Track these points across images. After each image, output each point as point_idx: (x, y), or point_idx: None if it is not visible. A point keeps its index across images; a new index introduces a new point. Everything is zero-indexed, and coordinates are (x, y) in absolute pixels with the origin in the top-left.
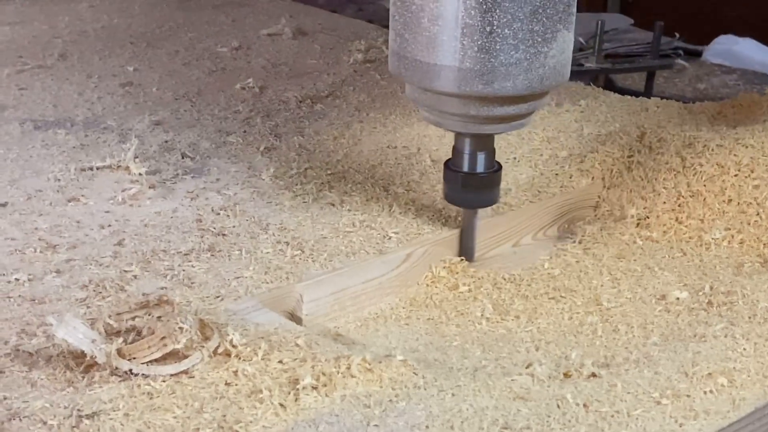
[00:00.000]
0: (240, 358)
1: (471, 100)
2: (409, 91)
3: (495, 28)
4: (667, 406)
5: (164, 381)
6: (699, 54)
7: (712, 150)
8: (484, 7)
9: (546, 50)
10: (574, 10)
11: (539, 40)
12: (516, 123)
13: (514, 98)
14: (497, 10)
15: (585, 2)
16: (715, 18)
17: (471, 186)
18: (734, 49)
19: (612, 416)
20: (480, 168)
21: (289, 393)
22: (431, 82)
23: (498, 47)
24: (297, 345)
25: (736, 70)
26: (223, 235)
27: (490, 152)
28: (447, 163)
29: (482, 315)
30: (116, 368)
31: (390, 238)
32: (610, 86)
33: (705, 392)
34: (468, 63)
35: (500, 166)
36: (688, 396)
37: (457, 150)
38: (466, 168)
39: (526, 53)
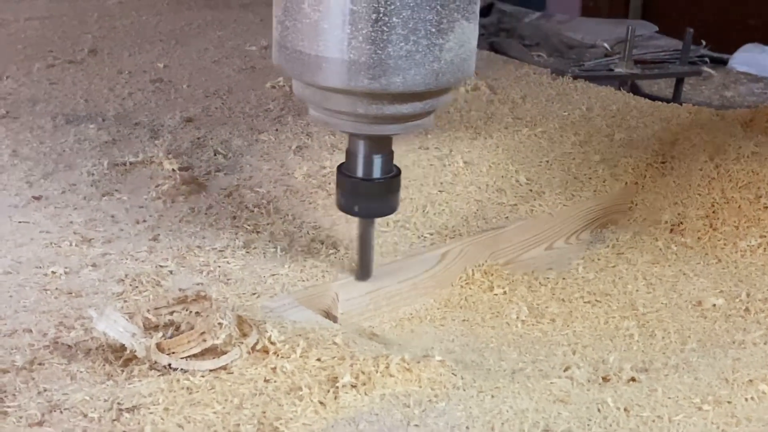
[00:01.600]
0: (278, 355)
1: (358, 97)
2: (295, 86)
3: (381, 15)
4: (708, 412)
5: (203, 376)
6: (725, 62)
7: (747, 156)
8: None
9: (441, 42)
10: None
11: (433, 30)
12: (413, 124)
13: (406, 95)
14: None
15: (607, 9)
16: (739, 26)
17: (366, 193)
18: (760, 57)
19: (653, 421)
20: (376, 173)
21: (329, 391)
22: (314, 76)
23: (385, 37)
24: (335, 343)
25: (762, 78)
26: (258, 232)
27: (388, 155)
28: (340, 168)
29: (518, 317)
30: (155, 362)
31: (425, 238)
32: (636, 92)
33: (746, 399)
34: (353, 54)
35: (399, 171)
36: (729, 402)
37: (350, 153)
38: (360, 173)
39: (417, 45)
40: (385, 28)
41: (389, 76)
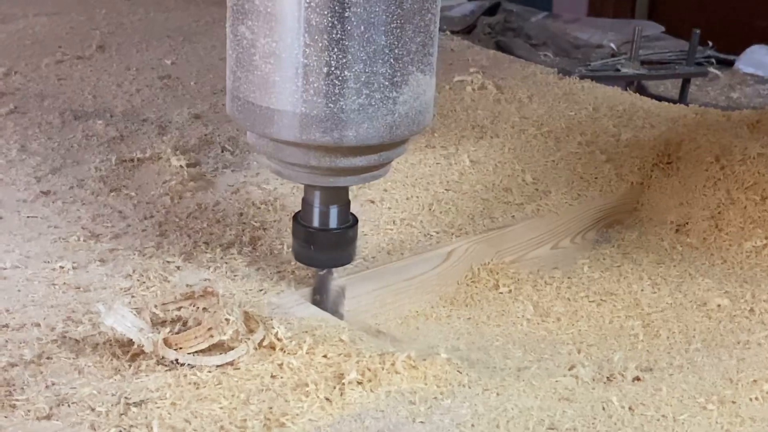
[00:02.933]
0: (285, 352)
1: (311, 150)
2: (249, 137)
3: (333, 69)
4: (713, 411)
5: (210, 372)
6: (731, 63)
7: (753, 158)
8: (320, 45)
9: (395, 95)
10: (433, 50)
11: (386, 84)
12: (368, 175)
13: (360, 148)
14: (335, 49)
15: (613, 9)
16: (746, 27)
17: (322, 244)
18: (767, 59)
19: (658, 420)
20: (333, 224)
21: (335, 387)
22: (266, 128)
23: (337, 91)
24: (341, 340)
25: None
26: (265, 229)
27: (344, 205)
28: (296, 217)
29: (523, 316)
30: (162, 357)
31: (431, 236)
32: (642, 93)
33: (751, 399)
34: (304, 108)
35: (356, 220)
36: (733, 402)
37: (306, 203)
38: (316, 224)
39: (370, 98)
40: (336, 82)
41: (342, 130)
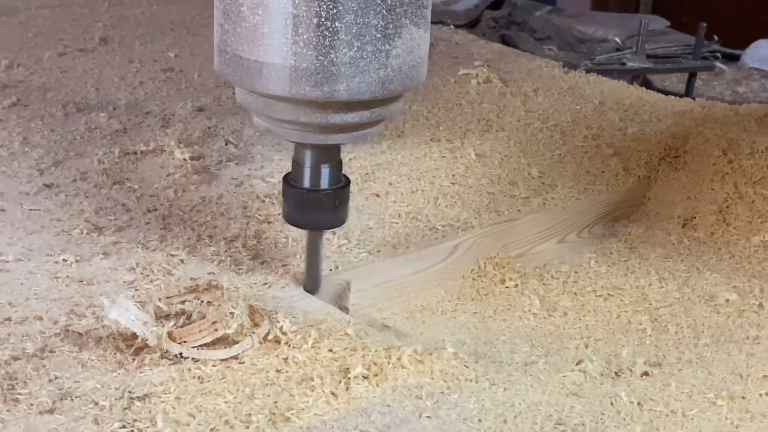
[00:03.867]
0: (290, 346)
1: (301, 105)
2: (237, 93)
3: (323, 20)
4: (722, 407)
5: (214, 366)
6: (737, 58)
7: (761, 152)
8: None
9: (388, 48)
10: (427, 3)
11: (379, 36)
12: (361, 133)
13: (351, 104)
14: None
15: (618, 3)
16: (752, 22)
17: (314, 204)
18: None
19: (667, 416)
20: (324, 184)
21: (340, 382)
22: (254, 83)
23: (327, 43)
24: (347, 334)
25: None
26: (269, 222)
27: (336, 165)
28: (286, 178)
29: (529, 310)
30: (167, 351)
31: (437, 230)
32: (647, 87)
33: (760, 394)
34: (293, 60)
35: (348, 181)
36: (743, 398)
37: (296, 163)
38: (307, 184)
39: (362, 51)
40: (327, 33)
41: (332, 84)
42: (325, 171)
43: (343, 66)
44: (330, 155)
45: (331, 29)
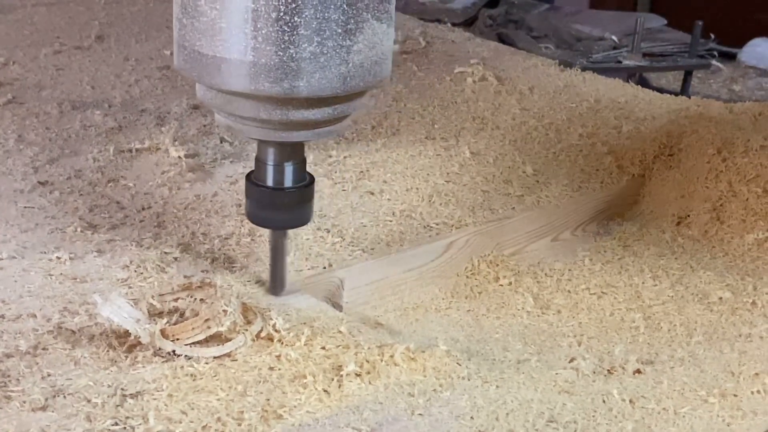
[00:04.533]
0: (283, 343)
1: (262, 101)
2: (198, 90)
3: (282, 14)
4: (714, 404)
5: (207, 363)
6: (733, 56)
7: (755, 150)
8: None
9: (349, 44)
10: None
11: (339, 31)
12: (324, 130)
13: (312, 100)
14: None
15: (615, 1)
16: (748, 20)
17: (277, 204)
18: None
19: (659, 413)
20: (287, 182)
21: (333, 379)
22: (213, 79)
23: (287, 38)
24: (340, 332)
25: None
26: None
27: (300, 162)
28: (249, 177)
29: (523, 308)
30: (159, 349)
31: (430, 228)
32: (644, 85)
33: (752, 392)
34: (252, 56)
35: (312, 179)
36: (735, 395)
37: (259, 161)
38: (270, 182)
39: (322, 46)
40: (286, 28)
41: (292, 80)
42: (288, 169)
43: (303, 62)
44: (293, 153)
45: (290, 24)
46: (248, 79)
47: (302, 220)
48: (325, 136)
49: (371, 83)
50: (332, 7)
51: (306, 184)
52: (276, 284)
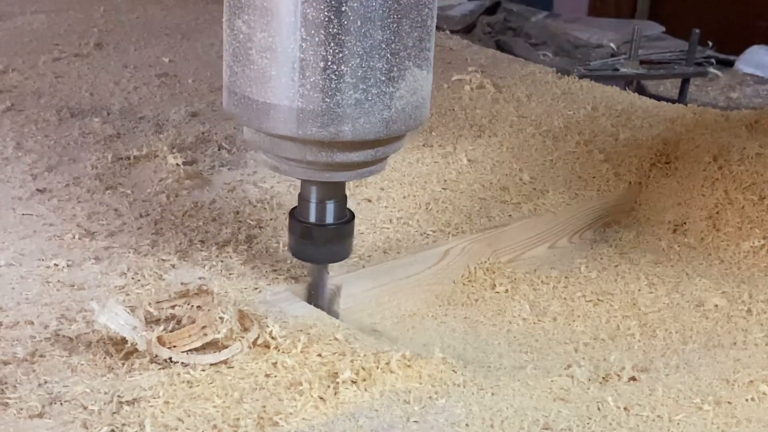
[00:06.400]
0: (279, 350)
1: (308, 145)
2: (245, 132)
3: (330, 63)
4: (708, 412)
5: (204, 370)
6: (731, 63)
7: (751, 158)
8: (317, 39)
9: (392, 90)
10: (430, 45)
11: (383, 79)
12: (365, 170)
13: (356, 144)
14: (332, 44)
15: (614, 9)
16: (746, 28)
17: (319, 239)
18: (767, 59)
19: (653, 420)
20: (329, 219)
21: (329, 386)
22: (262, 123)
23: (333, 86)
24: (336, 339)
25: None
26: (261, 227)
27: (341, 200)
28: (292, 212)
29: (519, 315)
30: (156, 356)
31: (427, 235)
32: (641, 93)
33: (747, 399)
34: (300, 102)
35: (353, 216)
36: (729, 403)
37: (302, 198)
38: (313, 219)
39: (367, 93)
40: (333, 77)
41: (338, 125)
42: (330, 206)
43: (348, 108)
44: (335, 191)
45: (337, 72)
46: (296, 124)
47: (342, 254)
48: (366, 176)
49: (412, 126)
50: (377, 56)
51: (346, 220)
52: None
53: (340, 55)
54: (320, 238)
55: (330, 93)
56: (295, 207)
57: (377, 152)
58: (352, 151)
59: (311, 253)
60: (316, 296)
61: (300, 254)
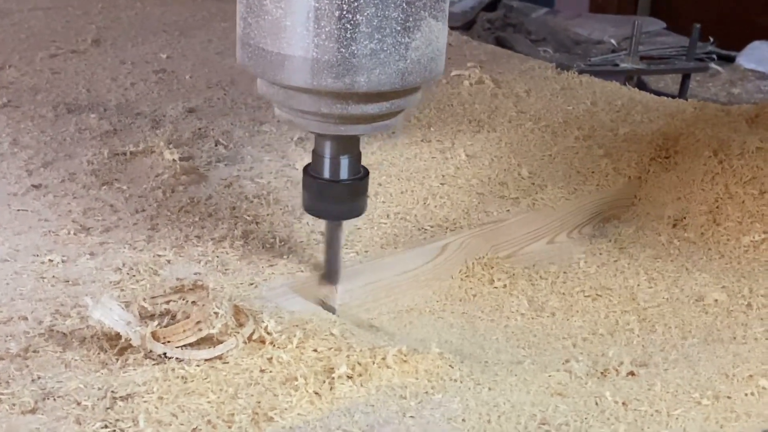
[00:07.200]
0: (275, 346)
1: (322, 96)
2: (259, 85)
3: (345, 13)
4: (707, 406)
5: (198, 365)
6: (732, 59)
7: (751, 152)
8: None
9: (407, 41)
10: None
11: (398, 29)
12: (380, 124)
13: (371, 95)
14: None
15: (615, 5)
16: (748, 24)
17: (333, 195)
18: None
19: (651, 415)
20: (343, 175)
21: (324, 381)
22: (276, 75)
23: (348, 35)
24: (332, 334)
25: None
26: (257, 223)
27: (355, 156)
28: (306, 169)
29: (518, 311)
30: (150, 351)
31: (425, 230)
32: (642, 88)
33: (746, 394)
34: (315, 53)
35: (367, 172)
36: (728, 397)
37: (316, 154)
38: (327, 175)
39: (382, 43)
40: (348, 26)
41: (353, 76)
42: (344, 162)
43: (363, 58)
44: (349, 146)
45: (352, 22)
46: (311, 75)
47: (357, 211)
48: (381, 130)
49: (427, 78)
50: (392, 5)
51: (361, 176)
52: (331, 274)
53: (356, 4)
54: (335, 195)
55: (345, 43)
56: (309, 164)
57: (392, 104)
58: (366, 102)
59: (325, 209)
60: (330, 255)
61: (313, 211)
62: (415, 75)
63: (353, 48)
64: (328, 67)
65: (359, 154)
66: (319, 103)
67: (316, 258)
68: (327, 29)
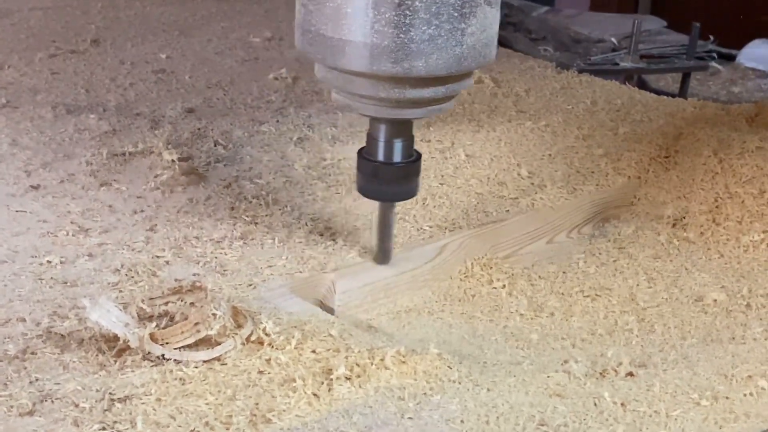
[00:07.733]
0: (273, 347)
1: (380, 81)
2: (317, 69)
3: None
4: (706, 407)
5: (196, 367)
6: (732, 57)
7: (751, 151)
8: None
9: (464, 27)
10: None
11: (455, 15)
12: (434, 108)
13: (428, 79)
14: None
15: (616, 4)
16: (748, 22)
17: (387, 177)
18: None
19: (650, 416)
20: (397, 157)
21: (323, 383)
22: (336, 60)
23: (408, 21)
24: (330, 335)
25: None
26: (256, 223)
27: (408, 139)
28: (360, 152)
29: (517, 311)
30: (148, 353)
31: (424, 230)
32: (643, 87)
33: (745, 395)
34: (375, 38)
35: (419, 155)
36: (727, 398)
37: (371, 137)
38: (381, 157)
39: (440, 29)
40: (408, 12)
41: (412, 60)
42: (398, 145)
43: (422, 43)
44: (403, 130)
45: (411, 8)
46: (369, 60)
47: (409, 193)
48: (434, 113)
49: (481, 63)
50: None
51: (413, 159)
52: (382, 255)
53: None
54: (388, 177)
55: (404, 29)
56: (364, 146)
57: (447, 89)
58: (423, 87)
59: (379, 191)
60: (382, 236)
61: (367, 192)
62: (471, 60)
63: (411, 33)
64: (387, 53)
65: (412, 137)
66: (377, 87)
67: (314, 257)
68: (386, 15)
